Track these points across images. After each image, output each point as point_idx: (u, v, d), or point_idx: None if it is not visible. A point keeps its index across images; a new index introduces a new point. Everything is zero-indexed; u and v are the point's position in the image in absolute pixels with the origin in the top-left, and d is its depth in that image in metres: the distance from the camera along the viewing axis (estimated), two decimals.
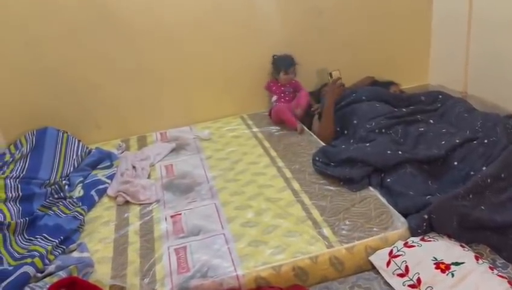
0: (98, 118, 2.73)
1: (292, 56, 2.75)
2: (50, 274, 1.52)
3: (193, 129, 2.78)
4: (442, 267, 1.39)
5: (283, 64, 2.73)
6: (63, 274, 1.50)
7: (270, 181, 2.08)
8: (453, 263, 1.40)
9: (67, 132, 2.54)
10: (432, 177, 1.91)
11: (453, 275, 1.36)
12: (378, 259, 1.53)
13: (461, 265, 1.39)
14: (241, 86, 2.89)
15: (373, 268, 1.55)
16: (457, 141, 1.95)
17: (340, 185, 1.96)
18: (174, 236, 1.75)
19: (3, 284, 1.43)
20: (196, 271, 1.53)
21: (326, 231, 1.67)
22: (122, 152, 2.54)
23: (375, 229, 1.65)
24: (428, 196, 1.72)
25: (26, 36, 2.45)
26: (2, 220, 1.76)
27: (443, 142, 1.99)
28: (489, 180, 1.65)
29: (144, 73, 2.71)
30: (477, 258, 1.44)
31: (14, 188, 2.00)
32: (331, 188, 1.96)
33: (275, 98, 2.78)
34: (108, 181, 2.20)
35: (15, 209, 1.92)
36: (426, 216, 1.60)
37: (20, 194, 1.99)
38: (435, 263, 1.41)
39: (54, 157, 2.34)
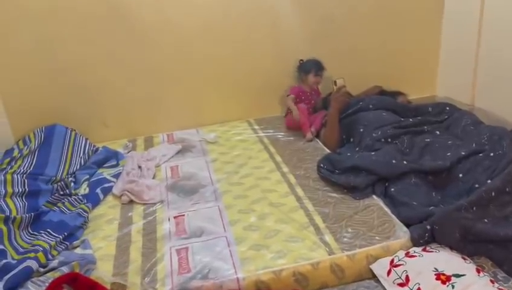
0: (106, 117, 2.76)
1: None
2: (53, 269, 1.54)
3: (200, 132, 2.80)
4: (443, 278, 1.39)
5: (314, 65, 2.72)
6: (65, 270, 1.51)
7: (274, 186, 2.08)
8: (453, 275, 1.39)
9: (75, 130, 2.56)
10: (436, 189, 1.91)
11: (453, 286, 1.35)
12: (379, 268, 1.53)
13: (462, 277, 1.38)
14: (249, 90, 2.91)
15: (373, 277, 1.55)
16: (463, 153, 1.95)
17: (344, 193, 1.97)
18: (177, 237, 1.76)
19: (6, 277, 1.45)
20: (197, 272, 1.54)
21: (328, 238, 1.67)
22: (129, 152, 2.56)
23: (377, 237, 1.65)
24: (432, 207, 1.72)
25: (37, 34, 2.49)
26: (8, 214, 1.78)
27: (448, 154, 1.99)
28: (493, 194, 1.65)
29: (153, 74, 2.73)
30: (478, 271, 1.44)
31: (21, 183, 2.03)
32: (335, 195, 1.96)
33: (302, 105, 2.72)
34: (114, 180, 2.22)
35: (21, 204, 1.94)
36: (429, 227, 1.60)
37: (27, 189, 2.02)
38: (435, 274, 1.41)
39: (61, 155, 2.36)
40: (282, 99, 2.92)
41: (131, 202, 2.05)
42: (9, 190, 1.95)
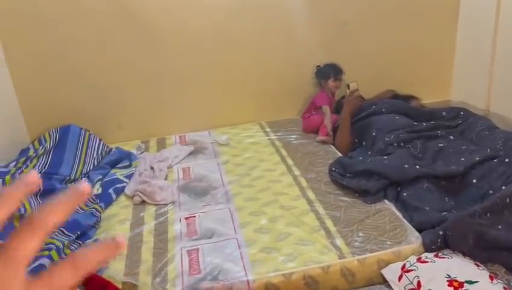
0: (119, 119, 2.79)
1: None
2: None
3: (212, 134, 2.81)
4: (456, 285, 1.37)
5: (333, 69, 2.70)
6: None
7: (285, 189, 2.08)
8: (466, 281, 1.37)
9: (89, 131, 2.60)
10: (449, 194, 1.89)
11: None
12: (390, 273, 1.52)
13: (475, 284, 1.36)
14: (261, 92, 2.91)
15: (384, 281, 1.54)
16: (477, 158, 1.93)
17: (355, 197, 1.96)
18: (188, 238, 1.77)
19: None
20: (207, 274, 1.55)
21: (339, 242, 1.66)
22: (142, 153, 2.58)
23: (388, 242, 1.64)
24: (445, 213, 1.70)
25: (54, 36, 2.53)
26: (23, 212, 1.81)
27: (462, 159, 1.96)
28: (508, 200, 1.61)
29: (166, 76, 2.76)
30: (491, 278, 1.41)
31: None
32: (346, 199, 1.95)
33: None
34: (127, 180, 2.24)
35: (35, 203, 1.97)
36: (441, 232, 1.58)
37: (41, 188, 2.05)
38: (448, 280, 1.39)
39: (75, 155, 2.39)
40: (295, 101, 2.93)
41: (143, 202, 2.06)
42: None
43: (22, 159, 2.27)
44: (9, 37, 2.47)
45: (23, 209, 1.84)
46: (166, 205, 2.03)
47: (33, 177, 0.36)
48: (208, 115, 2.90)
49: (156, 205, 2.04)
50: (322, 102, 2.71)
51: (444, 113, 2.48)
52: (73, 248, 1.71)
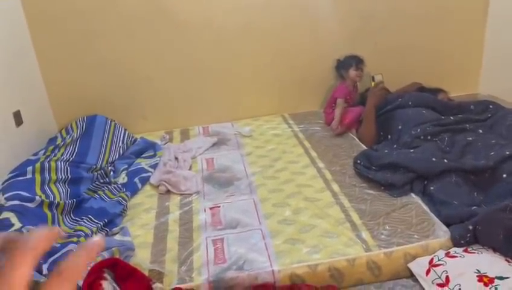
0: (144, 109, 2.82)
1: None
2: None
3: (235, 125, 2.82)
4: (486, 280, 1.34)
5: (354, 59, 2.67)
6: (106, 255, 1.56)
7: (309, 181, 2.07)
8: (497, 277, 1.35)
9: (114, 120, 2.63)
10: (477, 189, 1.85)
11: (496, 289, 1.31)
12: (418, 267, 1.50)
13: (506, 280, 1.33)
14: (284, 85, 2.90)
15: (411, 276, 1.52)
16: (508, 152, 1.88)
17: (380, 190, 1.93)
18: (212, 227, 1.78)
19: (50, 260, 1.51)
20: (232, 263, 1.55)
21: (365, 235, 1.65)
22: (166, 143, 2.61)
23: (415, 236, 1.62)
24: (474, 207, 1.67)
25: (82, 28, 2.57)
26: (52, 199, 1.85)
27: (492, 153, 1.92)
28: None
29: (191, 68, 2.77)
30: None
31: (64, 170, 2.10)
32: (372, 192, 1.93)
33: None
34: (151, 170, 2.27)
35: (64, 190, 2.01)
36: (471, 227, 1.55)
37: (69, 176, 2.09)
38: (477, 276, 1.36)
39: (101, 144, 2.43)
40: (318, 94, 2.91)
41: (168, 192, 2.08)
42: (53, 176, 2.02)
43: (50, 148, 2.32)
44: (38, 27, 2.52)
45: (52, 197, 1.89)
46: (190, 194, 2.04)
47: (94, 246, 0.39)
48: (231, 107, 2.91)
49: (181, 194, 2.05)
50: (339, 94, 2.68)
51: (472, 106, 2.42)
52: (101, 235, 1.74)
